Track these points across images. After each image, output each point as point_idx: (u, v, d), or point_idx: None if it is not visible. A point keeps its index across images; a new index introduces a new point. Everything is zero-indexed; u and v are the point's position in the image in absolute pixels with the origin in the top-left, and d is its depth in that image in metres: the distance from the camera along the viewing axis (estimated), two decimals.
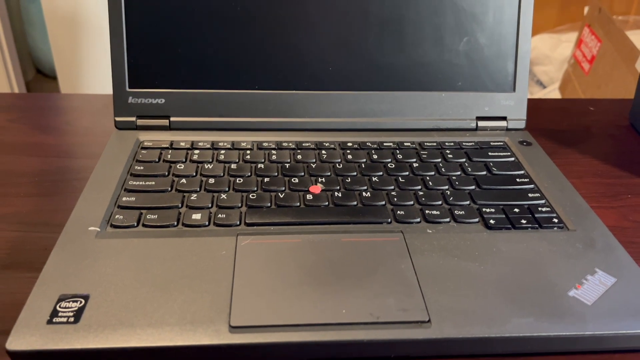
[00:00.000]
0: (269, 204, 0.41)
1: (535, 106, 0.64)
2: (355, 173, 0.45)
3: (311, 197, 0.41)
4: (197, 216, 0.39)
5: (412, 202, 0.41)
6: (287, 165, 0.45)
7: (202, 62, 0.49)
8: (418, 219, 0.40)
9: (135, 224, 0.38)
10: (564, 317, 0.32)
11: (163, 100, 0.49)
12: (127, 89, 0.49)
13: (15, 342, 0.29)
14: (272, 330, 0.30)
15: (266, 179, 0.43)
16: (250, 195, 0.41)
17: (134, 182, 0.42)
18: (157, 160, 0.45)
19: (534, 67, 1.61)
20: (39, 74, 2.65)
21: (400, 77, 0.51)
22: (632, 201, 0.48)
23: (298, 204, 0.41)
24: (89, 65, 1.60)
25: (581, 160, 0.54)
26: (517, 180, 0.45)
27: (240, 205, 0.40)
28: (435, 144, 0.50)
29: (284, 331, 0.30)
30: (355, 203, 0.41)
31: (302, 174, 0.45)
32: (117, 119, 0.49)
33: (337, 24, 0.50)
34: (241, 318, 0.31)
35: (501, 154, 0.48)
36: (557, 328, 0.31)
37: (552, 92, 1.50)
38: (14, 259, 0.38)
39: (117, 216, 0.38)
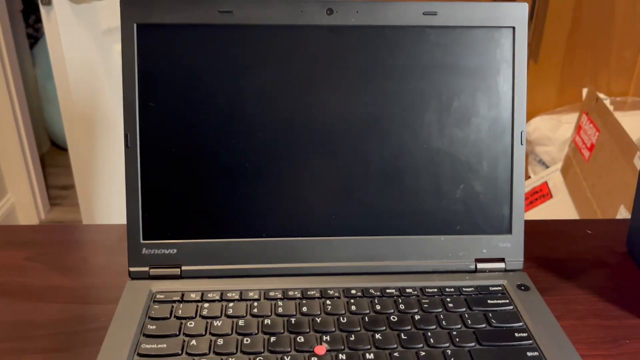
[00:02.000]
0: None
1: (532, 229, 0.66)
2: (359, 328, 0.47)
3: None
4: None
5: None
6: (293, 320, 0.47)
7: (212, 214, 0.52)
8: None
9: None
10: None
11: (175, 251, 0.52)
12: (142, 241, 0.51)
13: None
14: None
15: (272, 339, 0.45)
16: None
17: (147, 346, 0.44)
18: (168, 316, 0.47)
19: (535, 147, 1.64)
20: (54, 146, 2.73)
21: (400, 223, 0.53)
22: (630, 347, 0.49)
23: None
24: (102, 143, 1.66)
25: (580, 297, 0.55)
26: (516, 334, 0.46)
27: None
28: (436, 289, 0.51)
29: None
30: None
31: (307, 330, 0.46)
32: (132, 269, 0.51)
33: (339, 175, 0.52)
34: None
35: (500, 301, 0.50)
36: None
37: (554, 173, 1.52)
38: None
39: None
